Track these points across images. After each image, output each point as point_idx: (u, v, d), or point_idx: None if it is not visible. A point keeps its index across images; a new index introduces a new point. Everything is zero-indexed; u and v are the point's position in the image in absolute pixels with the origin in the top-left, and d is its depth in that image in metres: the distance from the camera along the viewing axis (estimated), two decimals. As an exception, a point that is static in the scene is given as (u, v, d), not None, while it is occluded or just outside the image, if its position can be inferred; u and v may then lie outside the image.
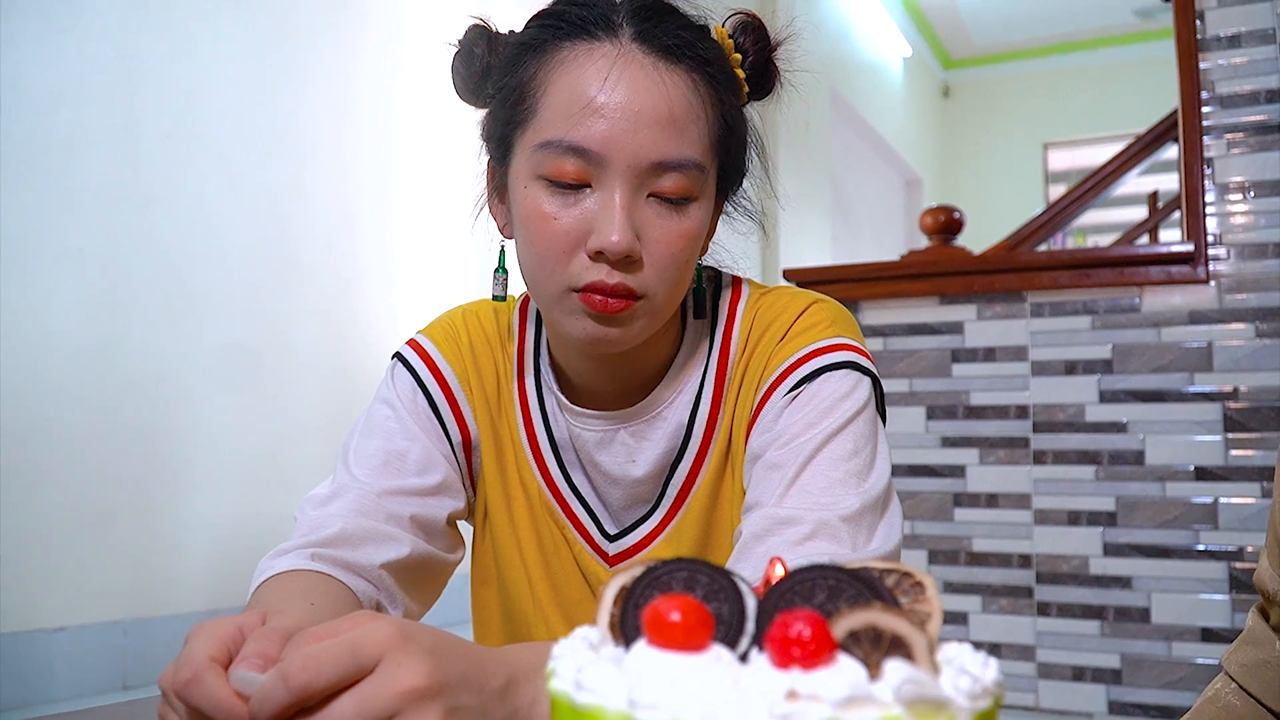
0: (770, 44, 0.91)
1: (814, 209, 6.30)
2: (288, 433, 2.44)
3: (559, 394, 0.95)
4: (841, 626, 0.39)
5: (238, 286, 2.30)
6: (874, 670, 0.36)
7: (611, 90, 0.78)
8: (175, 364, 2.13)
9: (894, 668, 0.36)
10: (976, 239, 4.67)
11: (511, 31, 0.90)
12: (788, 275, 2.79)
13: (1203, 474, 2.37)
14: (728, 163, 0.88)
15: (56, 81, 1.85)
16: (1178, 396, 2.40)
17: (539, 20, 0.85)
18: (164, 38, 2.07)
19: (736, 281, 0.97)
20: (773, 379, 0.87)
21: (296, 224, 2.52)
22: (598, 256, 0.79)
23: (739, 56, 0.89)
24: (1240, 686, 0.81)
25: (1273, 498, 0.86)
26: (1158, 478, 2.41)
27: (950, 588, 2.60)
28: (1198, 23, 2.43)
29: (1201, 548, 2.37)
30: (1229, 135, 2.39)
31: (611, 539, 0.94)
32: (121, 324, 1.99)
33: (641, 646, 0.38)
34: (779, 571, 0.44)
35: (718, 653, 0.38)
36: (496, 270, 0.93)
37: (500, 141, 0.86)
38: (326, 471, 0.98)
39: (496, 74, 0.87)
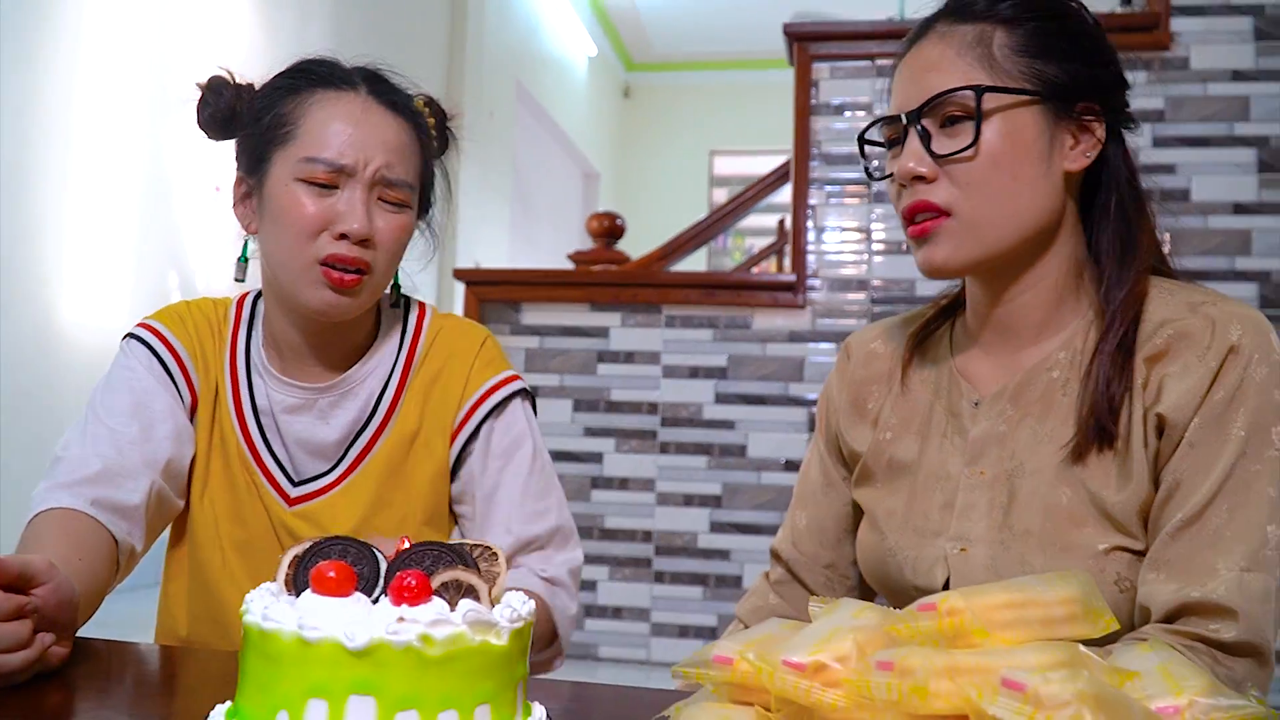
0: (447, 116, 1.20)
1: (495, 196, 6.53)
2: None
3: (270, 368, 1.16)
4: (438, 580, 0.63)
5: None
6: (453, 605, 0.60)
7: (358, 123, 1.07)
8: None
9: (465, 604, 0.60)
10: (647, 232, 5.10)
11: (251, 86, 1.13)
12: (459, 275, 3.01)
13: (791, 465, 2.86)
14: (424, 194, 1.16)
15: None
16: (775, 400, 2.88)
17: (292, 73, 1.11)
18: None
19: (420, 302, 1.24)
20: (474, 399, 1.17)
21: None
22: (341, 238, 1.04)
23: (433, 121, 1.17)
24: (746, 627, 1.13)
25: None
26: (756, 468, 2.88)
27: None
28: (813, 89, 2.90)
29: (788, 526, 2.86)
30: (828, 188, 2.89)
31: (295, 484, 1.16)
32: None
33: (308, 594, 0.60)
34: (406, 545, 0.67)
35: (358, 597, 0.60)
36: (240, 259, 1.15)
37: (256, 157, 1.09)
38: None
39: (254, 109, 1.10)
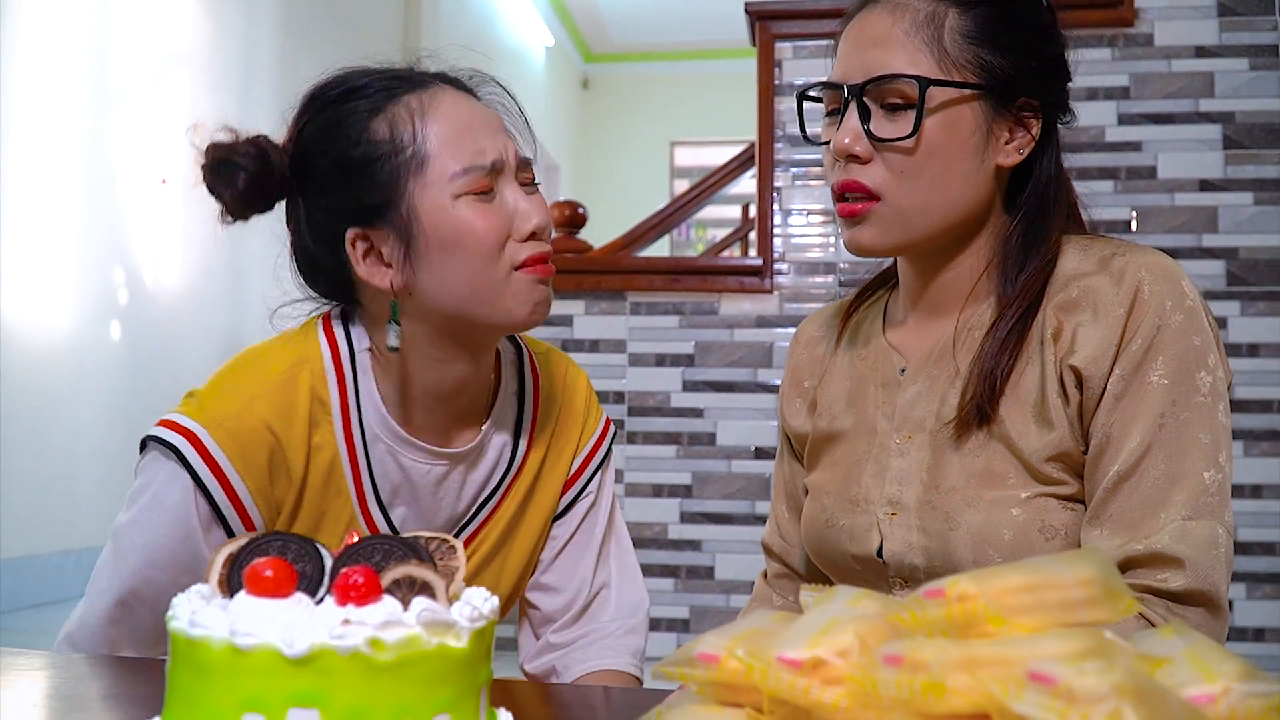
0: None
1: (452, 188, 6.43)
2: None
3: (408, 435, 1.01)
4: (389, 577, 0.57)
5: None
6: (406, 605, 0.54)
7: (476, 116, 0.98)
8: None
9: (418, 602, 0.54)
10: (607, 226, 5.04)
11: (267, 138, 0.98)
12: (416, 262, 2.94)
13: (761, 453, 2.82)
14: None
15: None
16: (744, 387, 2.83)
17: (351, 94, 0.98)
18: None
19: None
20: (588, 450, 1.13)
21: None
22: (531, 237, 0.97)
23: None
24: None
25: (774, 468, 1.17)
26: (726, 456, 2.83)
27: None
28: (776, 70, 2.86)
29: (759, 514, 2.82)
30: (794, 169, 2.85)
31: None
32: None
33: (243, 596, 0.54)
34: (354, 540, 0.61)
35: (299, 598, 0.54)
36: (391, 322, 0.98)
37: (377, 200, 0.96)
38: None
39: (320, 157, 0.97)
